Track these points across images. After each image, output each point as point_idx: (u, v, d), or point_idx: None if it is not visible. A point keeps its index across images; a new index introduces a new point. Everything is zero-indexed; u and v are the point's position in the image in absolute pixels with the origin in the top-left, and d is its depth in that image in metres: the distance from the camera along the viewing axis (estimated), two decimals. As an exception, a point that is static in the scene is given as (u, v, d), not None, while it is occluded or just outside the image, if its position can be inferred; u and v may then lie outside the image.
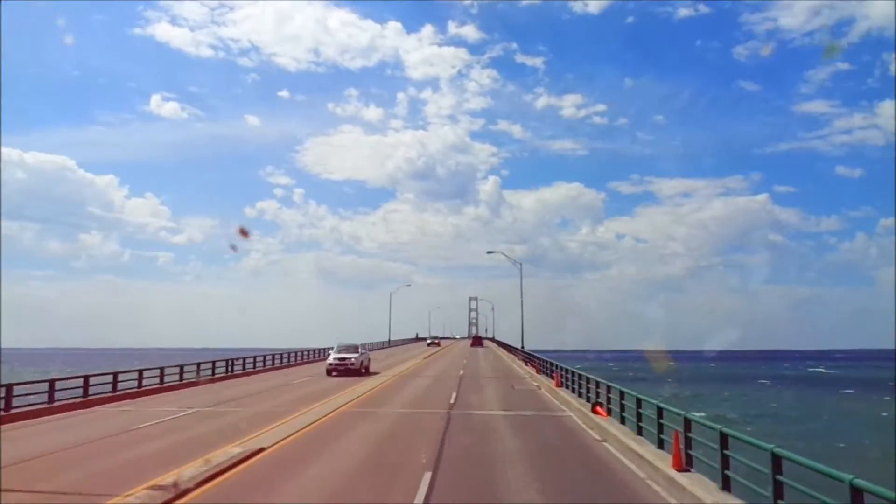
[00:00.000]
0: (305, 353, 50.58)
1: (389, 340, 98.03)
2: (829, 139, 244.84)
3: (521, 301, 52.51)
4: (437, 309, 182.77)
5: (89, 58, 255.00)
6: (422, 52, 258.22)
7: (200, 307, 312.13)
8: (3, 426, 16.48)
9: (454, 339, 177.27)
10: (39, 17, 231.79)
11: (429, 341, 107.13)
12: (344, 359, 34.40)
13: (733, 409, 51.13)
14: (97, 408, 21.04)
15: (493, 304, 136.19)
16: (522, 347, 52.09)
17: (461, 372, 37.50)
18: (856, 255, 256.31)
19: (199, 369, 30.96)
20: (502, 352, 74.20)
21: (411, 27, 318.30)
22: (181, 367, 29.62)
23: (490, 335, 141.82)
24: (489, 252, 54.95)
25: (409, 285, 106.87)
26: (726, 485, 9.11)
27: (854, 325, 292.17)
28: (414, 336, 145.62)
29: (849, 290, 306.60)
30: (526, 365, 43.55)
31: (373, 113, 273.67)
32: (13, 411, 18.51)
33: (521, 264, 53.11)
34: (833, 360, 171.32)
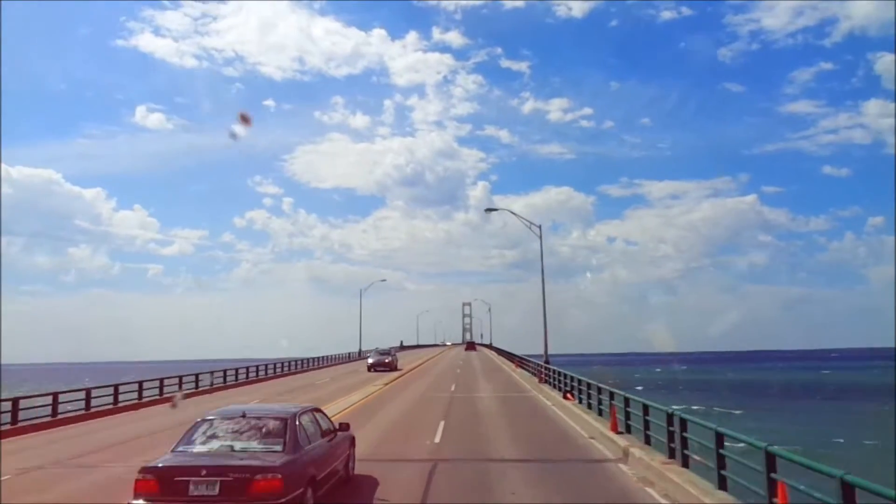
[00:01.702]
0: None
1: (360, 351, 76.86)
2: (816, 139, 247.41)
3: (543, 284, 32.01)
4: (426, 312, 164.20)
5: (75, 71, 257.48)
6: (406, 58, 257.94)
7: (191, 318, 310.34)
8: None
9: (446, 345, 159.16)
10: (25, 33, 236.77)
11: (371, 360, 46.89)
12: None
13: (806, 436, 32.97)
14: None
15: (490, 306, 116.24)
16: (547, 362, 31.51)
17: (436, 439, 15.27)
18: (845, 254, 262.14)
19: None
20: (507, 364, 53.58)
21: (396, 34, 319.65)
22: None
23: (487, 341, 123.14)
24: (488, 210, 34.38)
25: (384, 280, 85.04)
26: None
27: (846, 324, 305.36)
28: (398, 345, 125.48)
29: (840, 289, 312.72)
30: (566, 398, 22.87)
31: (360, 120, 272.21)
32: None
33: (539, 227, 32.66)
34: (830, 360, 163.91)
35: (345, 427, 10.71)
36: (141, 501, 7.35)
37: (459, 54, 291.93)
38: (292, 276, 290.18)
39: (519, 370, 42.23)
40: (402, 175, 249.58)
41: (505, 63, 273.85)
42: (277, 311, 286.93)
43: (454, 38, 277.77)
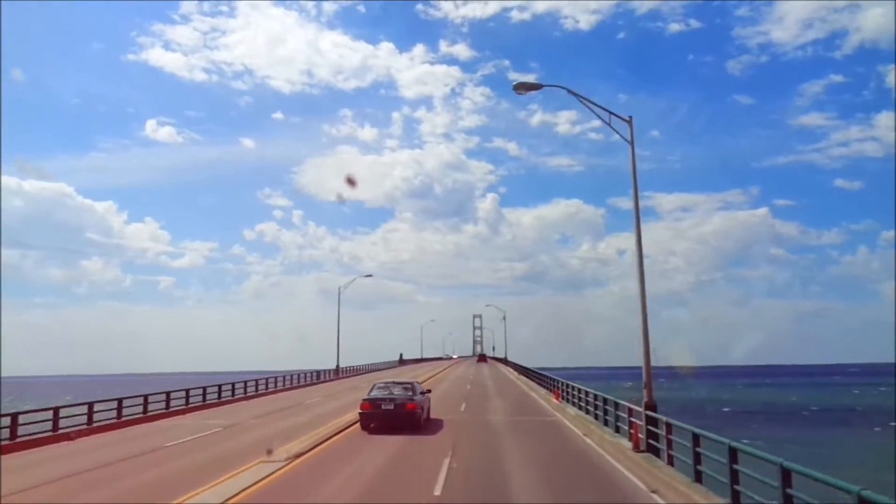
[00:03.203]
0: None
1: (338, 368, 60.02)
2: (827, 152, 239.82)
3: (640, 251, 17.75)
4: (432, 321, 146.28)
5: (88, 85, 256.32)
6: (414, 71, 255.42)
7: (203, 331, 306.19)
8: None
9: (452, 359, 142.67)
10: (40, 49, 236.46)
11: None
12: None
13: None
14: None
15: (504, 313, 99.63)
16: (651, 407, 14.56)
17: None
18: (858, 268, 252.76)
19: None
20: (536, 392, 37.02)
21: (403, 46, 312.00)
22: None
23: (502, 355, 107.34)
24: (518, 88, 17.46)
25: (370, 275, 69.18)
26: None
27: (861, 339, 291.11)
28: (397, 359, 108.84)
29: (853, 303, 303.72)
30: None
31: (368, 133, 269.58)
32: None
33: (630, 119, 15.73)
34: (852, 375, 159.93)
35: (428, 391, 23.05)
36: (362, 410, 19.37)
37: (467, 67, 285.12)
38: (302, 288, 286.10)
39: (571, 409, 25.00)
40: (411, 187, 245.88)
41: (512, 75, 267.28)
42: (287, 322, 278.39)
43: (461, 50, 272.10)
